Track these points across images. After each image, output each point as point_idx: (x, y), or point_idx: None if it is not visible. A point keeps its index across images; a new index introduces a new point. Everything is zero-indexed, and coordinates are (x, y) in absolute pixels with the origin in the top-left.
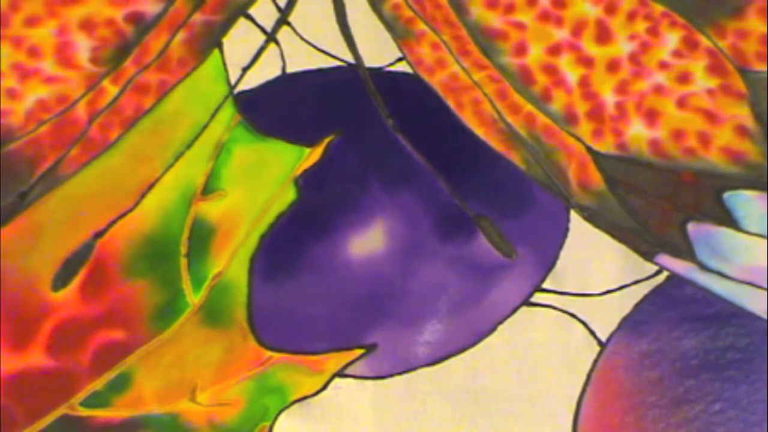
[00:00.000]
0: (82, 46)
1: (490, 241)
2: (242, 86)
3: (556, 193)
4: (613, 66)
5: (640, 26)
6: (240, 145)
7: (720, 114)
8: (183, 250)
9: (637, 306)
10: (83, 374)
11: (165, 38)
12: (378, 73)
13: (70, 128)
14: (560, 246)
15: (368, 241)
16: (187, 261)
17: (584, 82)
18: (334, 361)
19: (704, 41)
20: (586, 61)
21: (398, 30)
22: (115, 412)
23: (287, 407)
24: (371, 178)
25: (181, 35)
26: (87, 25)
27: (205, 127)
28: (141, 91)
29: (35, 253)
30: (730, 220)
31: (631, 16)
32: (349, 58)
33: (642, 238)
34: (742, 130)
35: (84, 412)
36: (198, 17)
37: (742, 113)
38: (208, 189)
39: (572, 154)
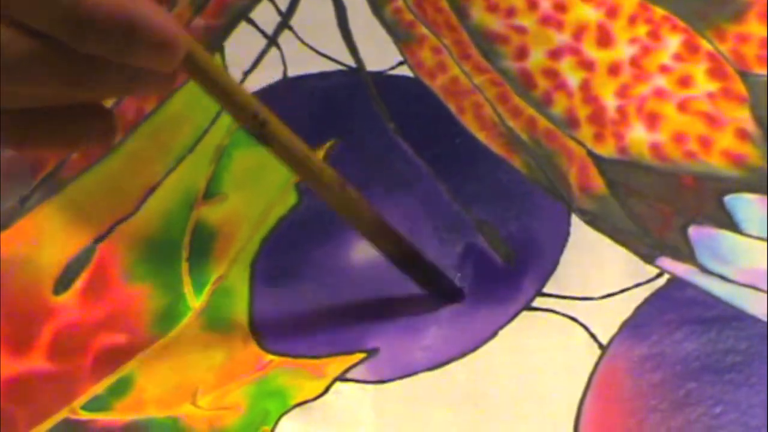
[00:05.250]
0: None
1: (491, 247)
2: None
3: (557, 197)
4: (614, 70)
5: (641, 30)
6: (241, 149)
7: (721, 117)
8: (184, 254)
9: (638, 309)
10: (84, 378)
11: None
12: (379, 77)
13: None
14: (561, 250)
15: (369, 246)
16: (189, 265)
17: (585, 86)
18: (335, 365)
19: (705, 45)
20: (587, 65)
21: (399, 34)
22: (117, 416)
23: (288, 411)
24: (372, 182)
25: None
26: None
27: (206, 131)
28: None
29: (36, 258)
30: (731, 224)
31: (632, 20)
32: (351, 62)
33: (643, 242)
34: (742, 134)
35: (85, 415)
36: (199, 21)
37: (743, 116)
38: (210, 193)
39: (573, 158)
